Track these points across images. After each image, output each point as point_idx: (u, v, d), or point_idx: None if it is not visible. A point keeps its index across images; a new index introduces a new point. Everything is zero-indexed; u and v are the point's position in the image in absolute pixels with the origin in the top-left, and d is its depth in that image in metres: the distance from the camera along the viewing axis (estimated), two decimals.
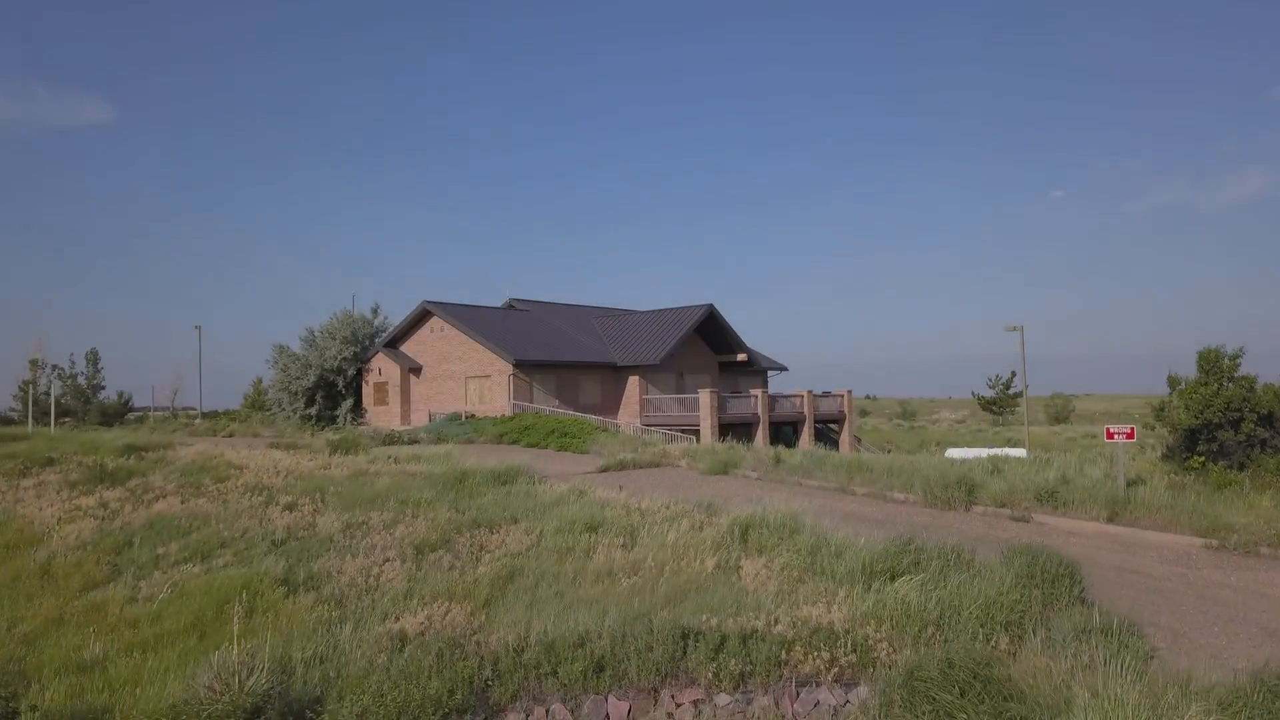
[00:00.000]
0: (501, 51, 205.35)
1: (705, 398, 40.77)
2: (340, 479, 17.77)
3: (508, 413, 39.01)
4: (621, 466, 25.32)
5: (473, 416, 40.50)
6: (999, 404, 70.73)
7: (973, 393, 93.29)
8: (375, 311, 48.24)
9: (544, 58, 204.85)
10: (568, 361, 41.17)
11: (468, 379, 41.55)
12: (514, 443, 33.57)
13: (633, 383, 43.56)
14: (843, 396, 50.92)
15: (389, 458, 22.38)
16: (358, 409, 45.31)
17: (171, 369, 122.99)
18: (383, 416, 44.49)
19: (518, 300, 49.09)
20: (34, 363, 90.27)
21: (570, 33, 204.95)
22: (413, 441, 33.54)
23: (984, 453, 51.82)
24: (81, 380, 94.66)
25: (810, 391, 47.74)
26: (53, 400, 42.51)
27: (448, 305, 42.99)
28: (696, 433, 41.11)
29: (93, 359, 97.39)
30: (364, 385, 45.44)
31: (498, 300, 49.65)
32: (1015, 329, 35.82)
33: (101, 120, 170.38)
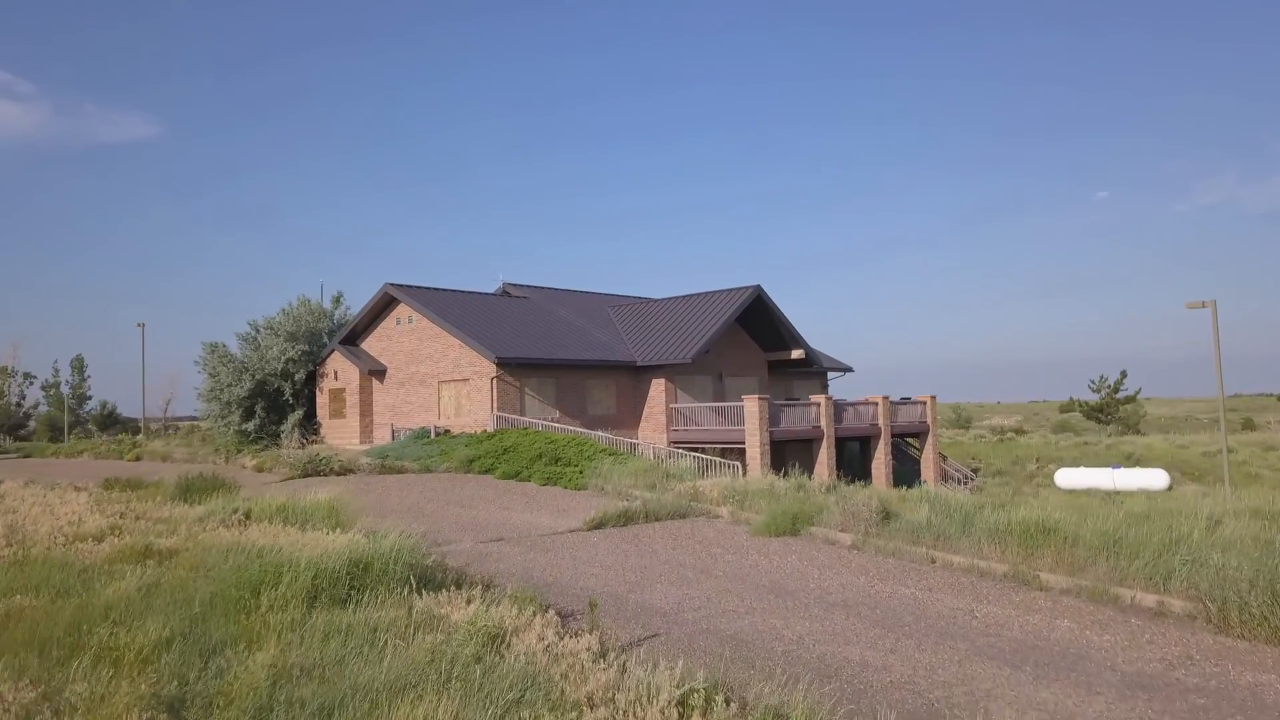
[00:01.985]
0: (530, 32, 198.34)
1: (752, 407, 31.78)
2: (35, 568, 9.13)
3: (490, 428, 30.37)
4: (625, 519, 16.55)
5: (447, 433, 31.91)
6: (1105, 410, 60.57)
7: (1071, 397, 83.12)
8: (337, 301, 39.95)
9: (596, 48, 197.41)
10: (572, 361, 32.41)
11: (441, 384, 32.97)
12: (486, 471, 24.93)
13: (657, 388, 34.69)
14: (924, 404, 41.61)
15: (255, 513, 13.70)
16: (309, 422, 36.93)
17: (166, 376, 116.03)
18: (339, 432, 36.06)
19: (514, 286, 40.43)
20: (3, 371, 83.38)
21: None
22: (344, 471, 24.95)
23: (1109, 476, 42.21)
24: (66, 389, 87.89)
25: (886, 398, 38.49)
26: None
27: (417, 289, 34.47)
28: (740, 453, 32.16)
29: (79, 366, 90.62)
30: (318, 392, 37.06)
31: (492, 288, 41.05)
32: (1203, 305, 26.33)
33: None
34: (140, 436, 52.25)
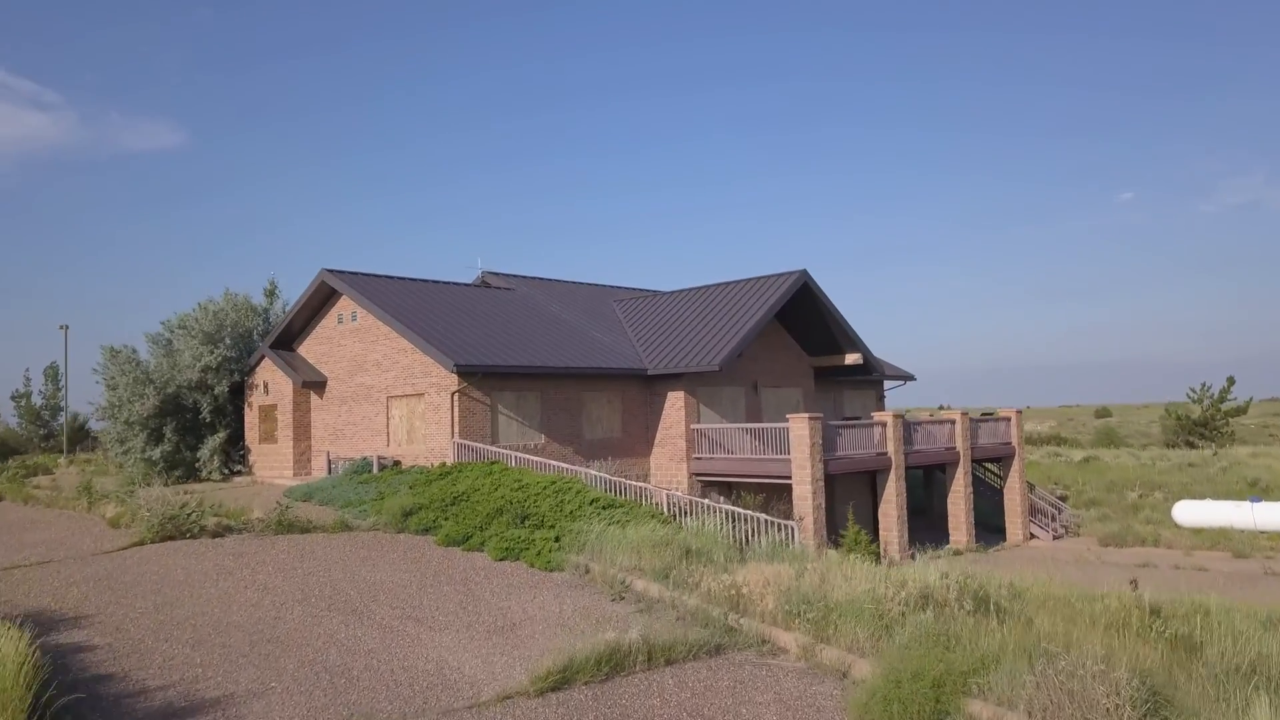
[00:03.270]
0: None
1: (801, 430, 24.31)
2: None
3: (450, 459, 23.07)
4: (612, 664, 9.22)
5: (396, 465, 24.65)
6: (1209, 425, 52.49)
7: (1167, 410, 74.75)
8: (271, 293, 32.77)
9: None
10: (564, 369, 25.10)
11: (390, 400, 25.65)
12: (426, 530, 17.68)
13: (674, 403, 27.25)
14: (1009, 420, 33.95)
15: None
16: (235, 447, 29.72)
17: None
18: (270, 460, 28.83)
19: (496, 275, 33.07)
20: None
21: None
22: (221, 532, 17.71)
23: (1247, 513, 34.22)
24: (39, 400, 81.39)
25: (965, 414, 30.88)
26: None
27: (359, 277, 27.18)
28: (783, 490, 24.75)
29: (52, 375, 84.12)
30: (246, 409, 29.86)
31: (470, 278, 33.67)
32: None
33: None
34: (65, 457, 45.41)
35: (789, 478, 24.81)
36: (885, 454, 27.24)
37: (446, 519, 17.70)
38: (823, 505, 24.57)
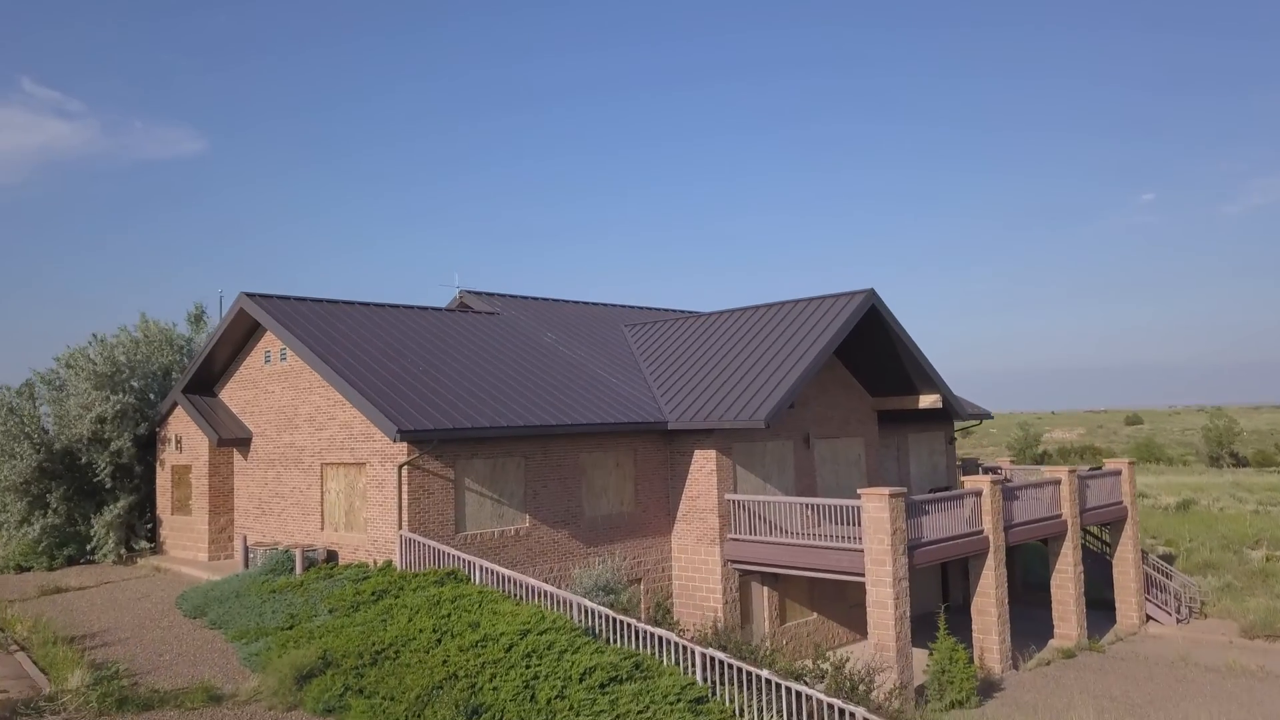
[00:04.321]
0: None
1: (879, 510, 18.10)
2: None
3: (396, 559, 16.91)
4: None
5: (331, 560, 18.62)
6: None
7: (1211, 420, 68.03)
8: (197, 320, 26.69)
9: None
10: (556, 427, 18.92)
11: (326, 468, 19.48)
12: (329, 713, 11.48)
13: (703, 465, 21.00)
14: (1119, 473, 27.50)
15: None
16: (143, 520, 23.65)
17: None
18: (185, 537, 22.77)
19: (477, 296, 26.83)
20: None
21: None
22: (7, 715, 11.57)
23: None
24: None
25: (1073, 472, 24.47)
26: None
27: (290, 303, 20.97)
28: (857, 583, 18.69)
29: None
30: (158, 468, 23.80)
31: (445, 300, 27.42)
32: None
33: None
34: None
35: (860, 574, 18.51)
36: (981, 533, 20.90)
37: (361, 693, 11.51)
38: (907, 615, 18.25)
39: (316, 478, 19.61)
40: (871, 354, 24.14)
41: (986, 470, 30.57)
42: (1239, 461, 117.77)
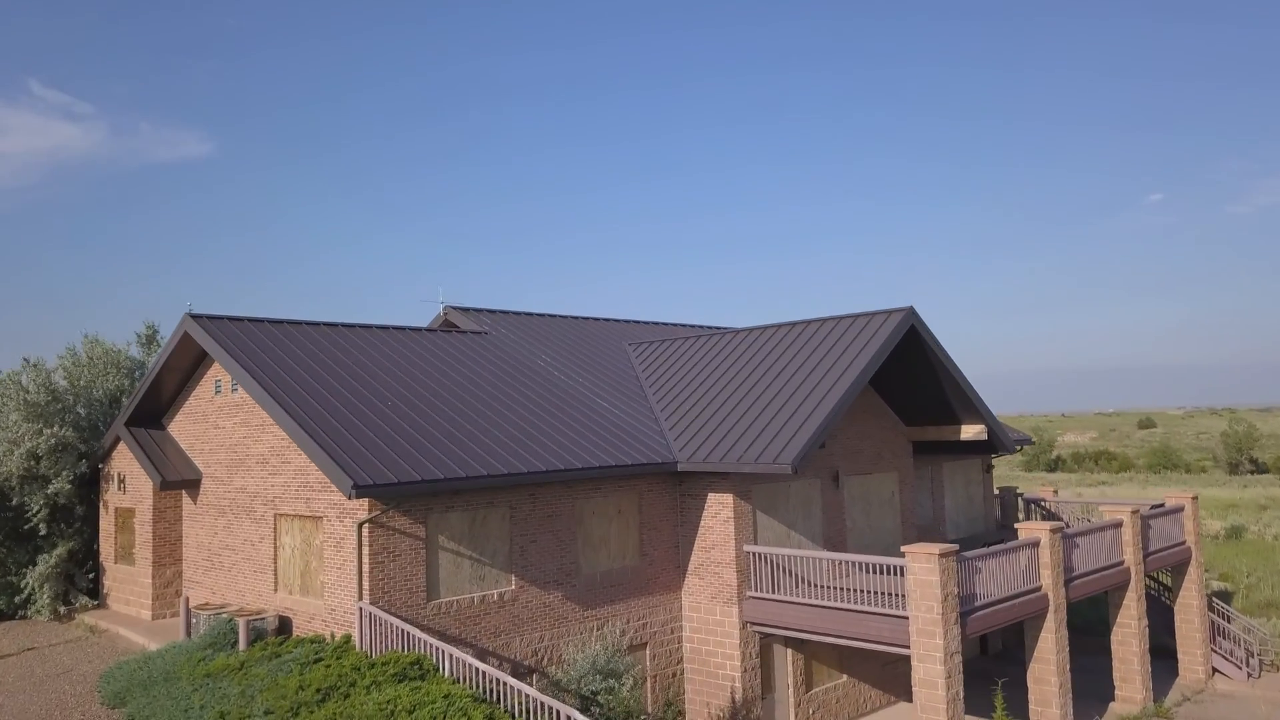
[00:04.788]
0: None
1: (928, 573, 15.47)
2: None
3: (356, 634, 14.23)
4: None
5: (283, 629, 15.98)
6: None
7: (1230, 425, 65.20)
8: (149, 341, 24.08)
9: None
10: (547, 473, 16.30)
11: (280, 519, 16.81)
12: None
13: (718, 511, 18.33)
14: (1181, 511, 24.75)
15: None
16: (83, 569, 21.02)
17: None
18: (129, 589, 20.18)
19: (463, 312, 24.14)
20: None
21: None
22: None
23: None
24: None
25: (1136, 512, 21.76)
26: None
27: (241, 325, 18.29)
28: (902, 654, 16.02)
29: None
30: (102, 510, 21.18)
31: (428, 317, 24.73)
32: None
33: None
34: None
35: (905, 646, 15.80)
36: (1039, 591, 18.16)
37: None
38: (960, 696, 15.51)
39: (270, 530, 16.95)
40: (907, 378, 21.41)
41: (1029, 502, 27.79)
42: (1258, 468, 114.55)
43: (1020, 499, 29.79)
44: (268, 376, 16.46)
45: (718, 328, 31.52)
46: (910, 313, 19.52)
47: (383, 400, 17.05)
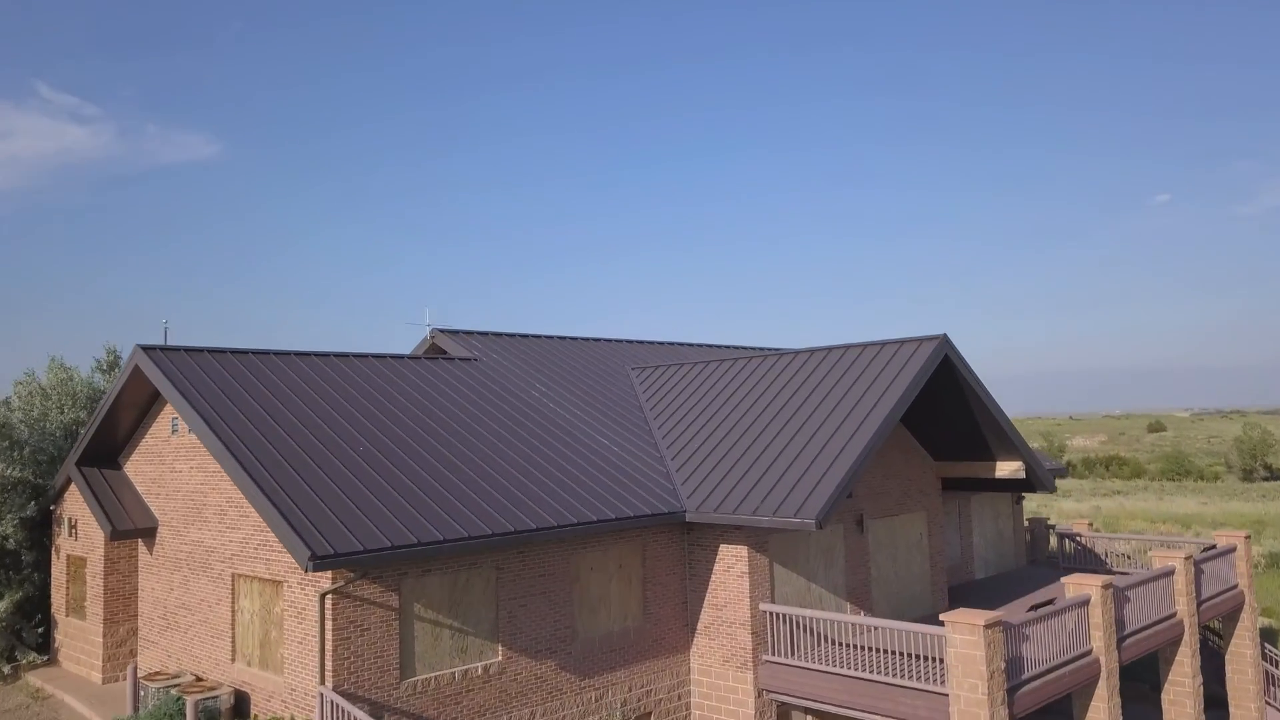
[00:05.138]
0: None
1: (971, 646, 13.60)
2: None
3: (316, 716, 12.40)
4: None
5: (241, 705, 14.09)
6: None
7: (1245, 430, 63.15)
8: (111, 369, 22.29)
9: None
10: (532, 532, 14.44)
11: (238, 579, 14.97)
12: None
13: (731, 564, 16.50)
14: (1234, 550, 22.85)
15: None
16: (31, 622, 19.22)
17: None
18: (81, 645, 18.38)
19: (452, 335, 22.29)
20: None
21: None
22: None
23: None
24: None
25: (1190, 559, 19.87)
26: None
27: (199, 356, 16.43)
28: None
29: None
30: (54, 556, 19.38)
31: (412, 344, 22.87)
32: None
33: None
34: None
35: None
36: (1090, 655, 16.28)
37: None
38: None
39: (228, 591, 15.12)
40: (936, 410, 19.52)
41: (1063, 536, 25.84)
42: (1272, 474, 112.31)
43: (1051, 529, 27.89)
44: (221, 419, 14.63)
45: (727, 347, 29.67)
46: (944, 341, 17.63)
47: (354, 445, 15.21)
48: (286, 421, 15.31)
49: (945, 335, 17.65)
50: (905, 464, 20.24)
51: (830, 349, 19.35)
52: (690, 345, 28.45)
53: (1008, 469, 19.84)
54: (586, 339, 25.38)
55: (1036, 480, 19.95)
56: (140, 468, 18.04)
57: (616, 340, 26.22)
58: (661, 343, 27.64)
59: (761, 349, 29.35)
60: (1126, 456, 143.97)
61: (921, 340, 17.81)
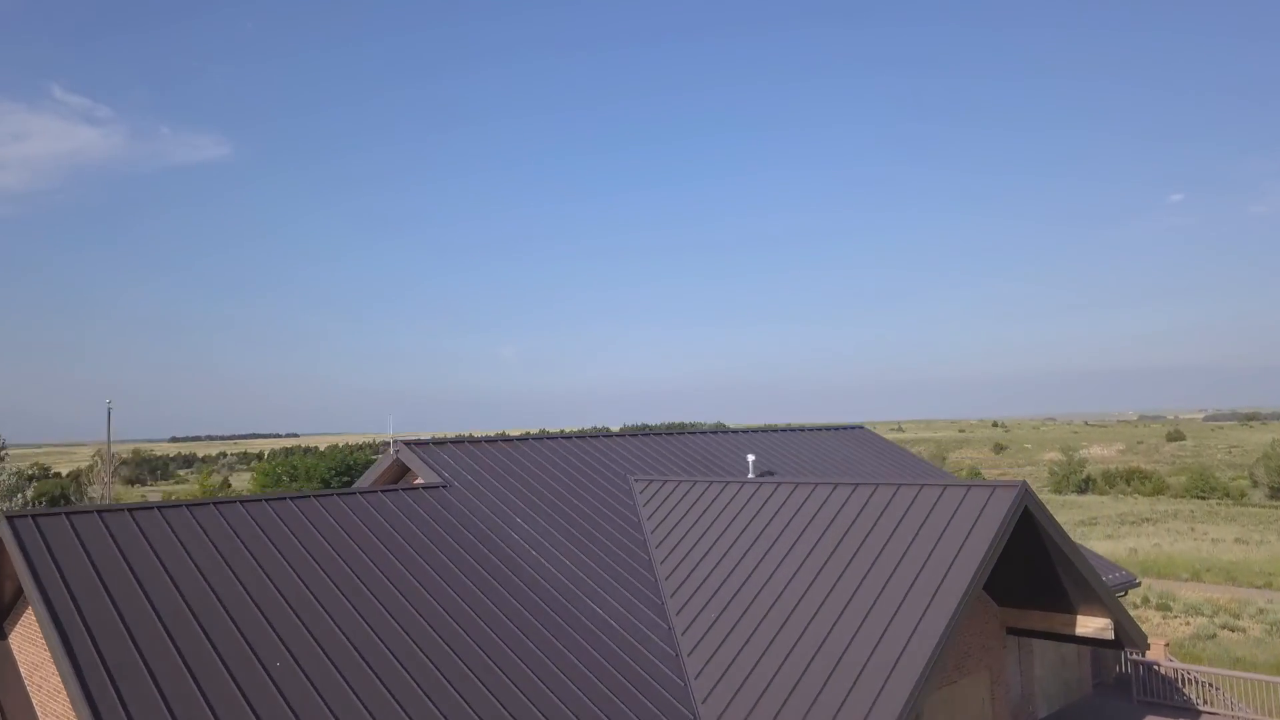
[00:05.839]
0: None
1: None
2: None
3: None
4: None
5: None
6: None
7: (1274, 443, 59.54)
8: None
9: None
10: None
11: None
12: None
13: None
14: None
15: None
16: None
17: None
18: None
19: (419, 449, 18.79)
20: None
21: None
22: None
23: None
24: None
25: None
26: None
27: (78, 518, 12.99)
28: None
29: None
30: None
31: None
32: None
33: None
34: None
35: None
36: None
37: None
38: None
39: None
40: (1009, 556, 16.03)
41: (1136, 665, 22.25)
42: None
43: (1127, 655, 24.29)
44: (82, 623, 11.17)
45: (742, 431, 26.18)
46: (1024, 490, 14.14)
47: (270, 660, 11.73)
48: (179, 623, 11.82)
49: (1024, 483, 14.14)
50: (968, 618, 16.75)
51: (876, 486, 15.81)
52: (700, 433, 24.94)
53: (1092, 626, 16.30)
54: (579, 435, 21.88)
55: (1127, 638, 16.42)
56: (22, 645, 14.59)
57: (614, 436, 22.69)
58: (667, 432, 24.10)
59: (768, 429, 25.94)
60: (1148, 470, 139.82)
61: (994, 487, 14.32)
